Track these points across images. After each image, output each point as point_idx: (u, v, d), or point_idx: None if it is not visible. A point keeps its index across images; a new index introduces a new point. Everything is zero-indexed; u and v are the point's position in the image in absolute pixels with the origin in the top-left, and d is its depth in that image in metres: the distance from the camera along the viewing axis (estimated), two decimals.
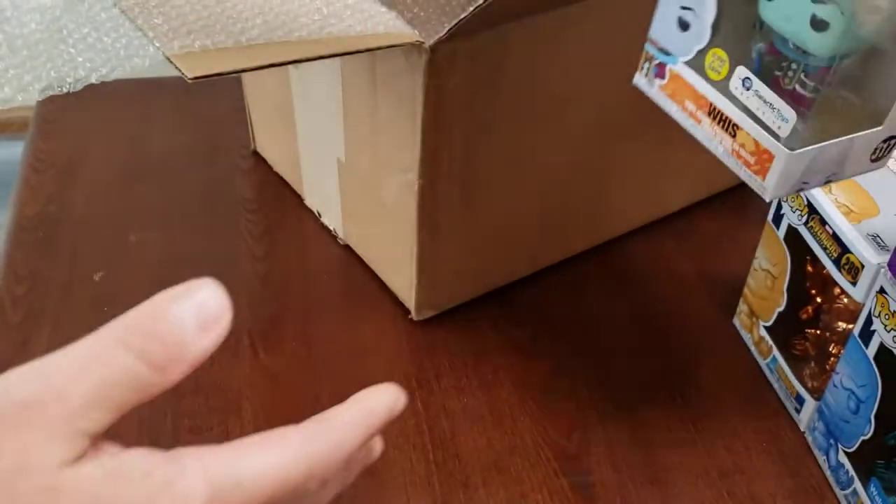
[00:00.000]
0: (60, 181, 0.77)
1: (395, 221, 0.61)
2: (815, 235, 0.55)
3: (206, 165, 0.79)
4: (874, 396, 0.50)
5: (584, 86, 0.60)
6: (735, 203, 0.79)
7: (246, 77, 0.76)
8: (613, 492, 0.54)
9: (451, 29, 0.49)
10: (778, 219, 0.59)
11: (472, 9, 0.48)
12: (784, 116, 0.39)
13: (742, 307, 0.65)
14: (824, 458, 0.56)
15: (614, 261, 0.72)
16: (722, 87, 0.42)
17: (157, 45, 0.40)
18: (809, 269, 0.56)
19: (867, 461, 0.51)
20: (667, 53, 0.44)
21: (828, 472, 0.56)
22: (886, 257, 0.50)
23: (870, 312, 0.50)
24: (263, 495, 0.23)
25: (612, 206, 0.71)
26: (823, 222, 0.54)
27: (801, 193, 0.56)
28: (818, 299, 0.55)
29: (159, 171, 0.78)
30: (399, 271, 0.64)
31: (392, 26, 0.49)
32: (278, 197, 0.76)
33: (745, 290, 0.64)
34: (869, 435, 0.51)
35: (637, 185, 0.71)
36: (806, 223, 0.56)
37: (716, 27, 0.41)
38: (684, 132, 0.71)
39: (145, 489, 0.23)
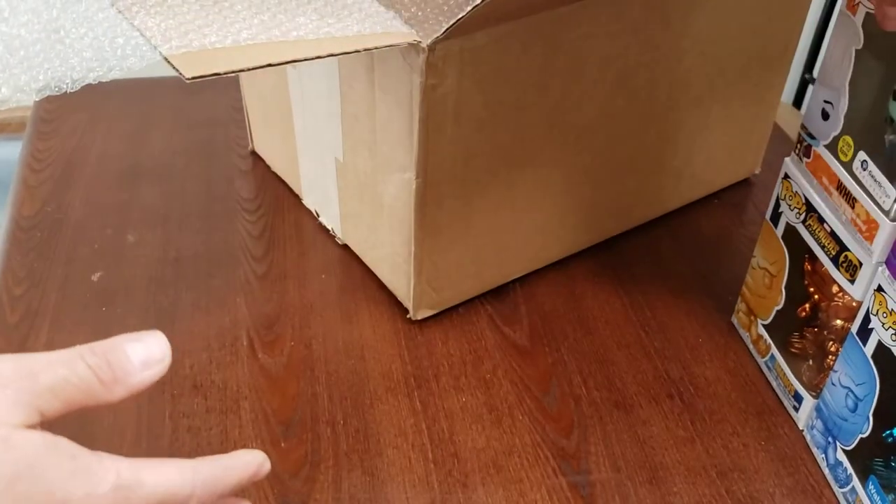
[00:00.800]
0: (58, 181, 0.77)
1: (393, 221, 0.61)
2: (813, 233, 0.55)
3: (205, 165, 0.79)
4: (872, 394, 0.50)
5: (581, 85, 0.60)
6: (733, 202, 0.79)
7: (244, 77, 0.76)
8: (612, 491, 0.54)
9: (448, 29, 0.49)
10: (776, 217, 0.59)
11: (469, 8, 0.48)
12: (888, 193, 0.48)
13: (740, 305, 0.65)
14: (822, 456, 0.56)
15: (612, 259, 0.72)
16: (847, 166, 0.51)
17: (155, 45, 0.40)
18: (808, 267, 0.56)
19: (865, 459, 0.51)
20: (812, 137, 0.55)
21: (826, 471, 0.56)
22: None
23: (868, 310, 0.50)
24: (156, 497, 0.31)
25: (611, 205, 0.71)
26: (821, 220, 0.54)
27: (799, 191, 0.56)
28: (816, 297, 0.55)
29: (157, 172, 0.78)
30: (397, 271, 0.64)
31: (390, 26, 0.49)
32: (276, 197, 0.76)
33: (744, 289, 0.64)
34: (867, 433, 0.51)
35: (636, 185, 0.71)
36: (804, 221, 0.56)
37: (847, 118, 0.51)
38: (684, 132, 0.71)
39: (70, 465, 0.29)
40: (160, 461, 0.31)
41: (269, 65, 0.41)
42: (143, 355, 0.32)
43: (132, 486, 0.30)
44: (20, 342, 0.62)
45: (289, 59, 0.42)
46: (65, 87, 0.35)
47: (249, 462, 0.34)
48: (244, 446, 0.55)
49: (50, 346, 0.61)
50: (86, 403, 0.30)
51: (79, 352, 0.31)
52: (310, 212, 0.74)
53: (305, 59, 0.43)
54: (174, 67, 0.39)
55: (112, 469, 0.30)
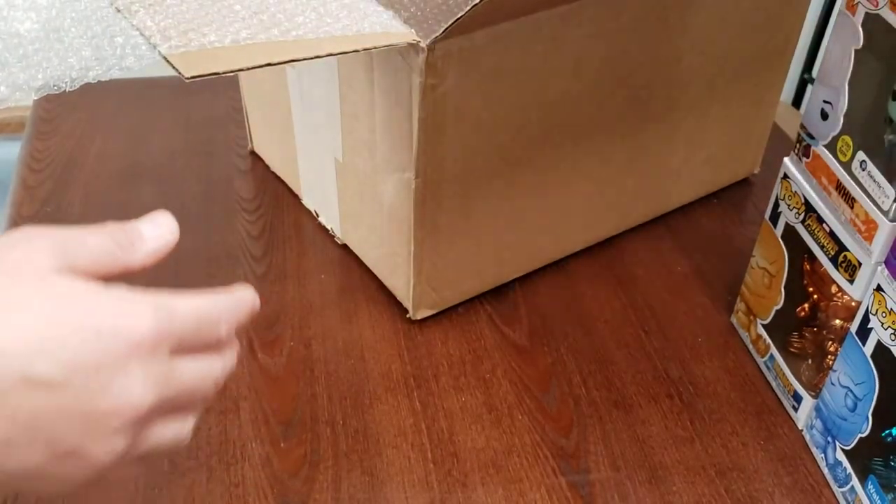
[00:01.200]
0: (57, 181, 0.77)
1: (393, 221, 0.61)
2: (812, 233, 0.55)
3: (204, 165, 0.79)
4: (871, 394, 0.50)
5: (581, 85, 0.60)
6: (733, 201, 0.79)
7: (243, 77, 0.76)
8: (611, 490, 0.54)
9: (447, 28, 0.49)
10: (775, 217, 0.59)
11: (468, 8, 0.48)
12: (887, 193, 0.48)
13: (740, 305, 0.65)
14: (822, 455, 0.56)
15: (612, 259, 0.72)
16: (846, 166, 0.51)
17: (154, 44, 0.40)
18: (807, 266, 0.56)
19: (864, 459, 0.51)
20: (811, 137, 0.55)
21: (825, 470, 0.56)
22: None
23: (867, 310, 0.50)
24: (191, 321, 0.34)
25: (611, 204, 0.71)
26: (821, 220, 0.54)
27: (798, 191, 0.56)
28: (815, 297, 0.55)
29: (156, 171, 0.78)
30: (397, 271, 0.64)
31: (389, 26, 0.49)
32: (276, 197, 0.76)
33: (743, 289, 0.64)
34: (866, 432, 0.51)
35: (635, 184, 0.71)
36: (803, 221, 0.56)
37: (846, 118, 0.51)
38: (683, 132, 0.71)
39: (114, 301, 0.32)
40: (184, 294, 0.34)
41: (269, 64, 0.41)
42: (152, 227, 0.36)
43: (170, 308, 0.32)
44: None
45: (288, 58, 0.42)
46: (64, 86, 0.35)
47: (250, 298, 0.37)
48: (244, 447, 0.55)
49: None
50: (110, 266, 0.33)
51: (99, 228, 0.34)
52: (309, 212, 0.74)
53: (305, 59, 0.43)
54: (173, 67, 0.39)
55: (147, 299, 0.32)
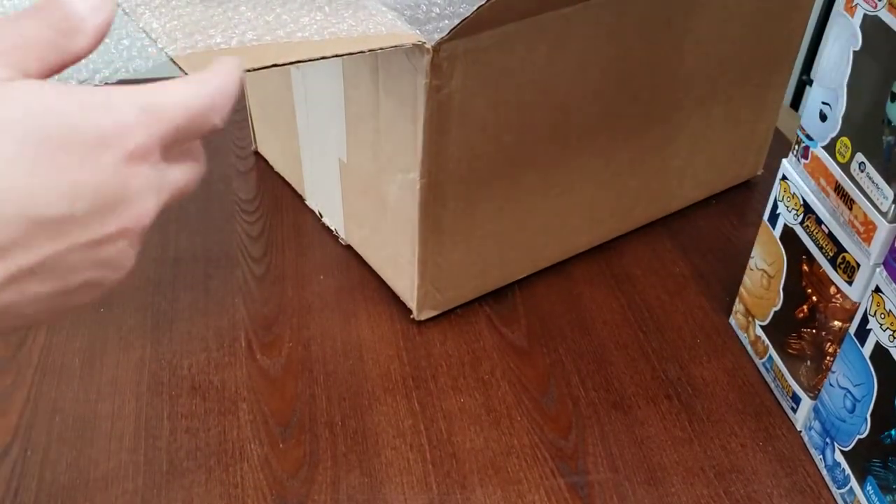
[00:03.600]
0: None
1: (397, 221, 0.61)
2: (810, 235, 0.55)
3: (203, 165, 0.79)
4: (870, 395, 0.50)
5: (585, 86, 0.60)
6: (732, 202, 0.80)
7: (247, 78, 0.76)
8: (610, 491, 0.55)
9: (453, 30, 0.49)
10: (774, 218, 0.59)
11: (474, 9, 0.48)
12: (885, 195, 0.48)
13: (738, 307, 0.65)
14: (820, 457, 0.57)
15: (610, 260, 0.72)
16: (845, 168, 0.52)
17: (161, 46, 0.40)
18: (805, 268, 0.56)
19: (863, 460, 0.52)
20: (810, 138, 0.55)
21: (824, 472, 0.56)
22: None
23: (866, 311, 0.50)
24: (182, 114, 0.30)
25: (612, 205, 0.71)
26: (819, 222, 0.54)
27: (797, 192, 0.56)
28: (814, 298, 0.56)
29: None
30: (401, 272, 0.64)
31: (394, 27, 0.49)
32: (275, 197, 0.76)
33: (742, 290, 0.64)
34: (865, 434, 0.51)
35: (637, 185, 0.71)
36: (802, 222, 0.56)
37: (845, 119, 0.51)
38: (686, 133, 0.71)
39: (87, 97, 0.27)
40: (167, 82, 0.30)
41: (275, 65, 0.41)
42: (88, 4, 0.30)
43: (157, 106, 0.29)
44: (18, 344, 0.61)
45: (293, 59, 0.42)
46: None
47: (236, 73, 0.33)
48: (242, 447, 0.55)
49: (47, 348, 0.61)
50: (57, 59, 0.29)
51: (28, 12, 0.29)
52: (309, 212, 0.74)
53: (310, 60, 0.43)
54: (180, 68, 0.39)
55: (128, 94, 0.28)
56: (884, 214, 0.48)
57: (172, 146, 0.30)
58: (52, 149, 0.26)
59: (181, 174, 0.32)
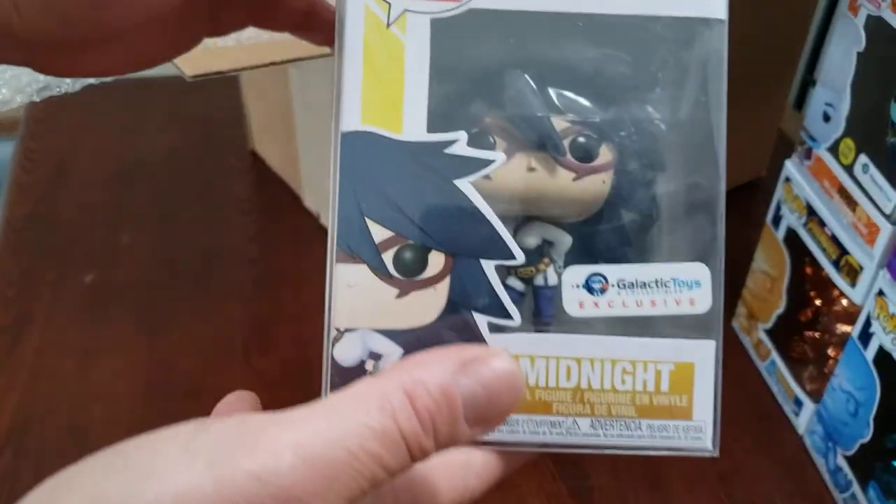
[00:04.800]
0: (51, 181, 0.76)
1: None
2: (814, 237, 0.55)
3: (200, 166, 0.79)
4: (873, 399, 0.50)
5: None
6: (734, 205, 0.79)
7: (245, 76, 0.76)
8: (612, 496, 0.54)
9: None
10: (777, 220, 0.59)
11: None
12: (889, 197, 0.48)
13: (741, 309, 0.65)
14: (823, 461, 0.56)
15: None
16: (849, 170, 0.51)
17: None
18: (808, 271, 0.56)
19: (866, 464, 0.51)
20: (813, 140, 0.55)
21: (826, 476, 0.56)
22: None
23: (869, 315, 0.50)
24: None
25: None
26: (822, 224, 0.54)
27: (800, 194, 0.56)
28: (817, 301, 0.55)
29: (152, 172, 0.78)
30: None
31: None
32: (273, 198, 0.76)
33: (744, 292, 0.64)
34: (868, 438, 0.51)
35: None
36: (805, 225, 0.56)
37: (848, 121, 0.51)
38: None
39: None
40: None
41: (272, 63, 0.41)
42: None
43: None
44: (12, 344, 0.61)
45: (291, 57, 0.42)
46: (65, 86, 0.35)
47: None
48: None
49: (42, 348, 0.61)
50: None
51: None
52: (306, 213, 0.74)
53: (307, 58, 0.42)
54: (176, 66, 0.39)
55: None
56: (887, 217, 0.48)
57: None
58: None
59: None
